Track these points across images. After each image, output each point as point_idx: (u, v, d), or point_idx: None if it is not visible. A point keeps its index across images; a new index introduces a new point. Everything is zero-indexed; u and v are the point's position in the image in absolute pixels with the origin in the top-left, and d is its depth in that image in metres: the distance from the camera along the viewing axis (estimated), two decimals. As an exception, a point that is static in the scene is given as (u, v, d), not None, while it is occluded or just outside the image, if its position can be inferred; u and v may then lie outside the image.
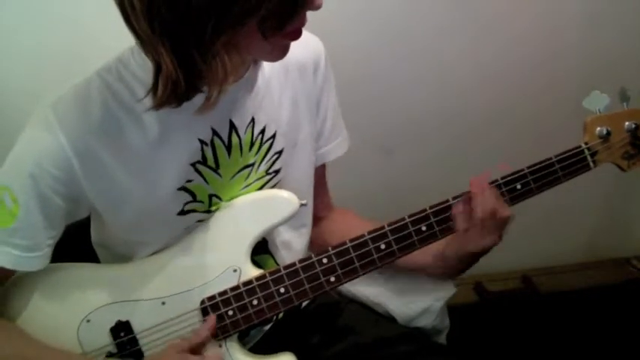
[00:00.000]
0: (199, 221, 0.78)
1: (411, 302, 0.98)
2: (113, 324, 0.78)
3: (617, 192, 1.77)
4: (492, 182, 0.79)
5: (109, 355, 0.78)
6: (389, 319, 0.98)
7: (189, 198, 0.76)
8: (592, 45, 1.56)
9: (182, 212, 0.76)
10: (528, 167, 0.80)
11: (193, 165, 0.75)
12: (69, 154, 0.68)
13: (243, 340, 0.83)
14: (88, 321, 0.77)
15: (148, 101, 0.66)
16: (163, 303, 0.78)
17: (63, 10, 1.19)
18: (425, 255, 0.83)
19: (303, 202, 0.80)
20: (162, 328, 0.78)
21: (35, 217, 0.71)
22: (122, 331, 0.78)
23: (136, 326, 0.78)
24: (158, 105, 0.64)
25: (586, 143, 0.81)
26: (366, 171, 1.21)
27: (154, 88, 0.64)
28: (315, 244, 0.94)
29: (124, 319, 0.78)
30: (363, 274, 0.79)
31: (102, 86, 0.70)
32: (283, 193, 0.80)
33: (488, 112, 1.57)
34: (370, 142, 1.46)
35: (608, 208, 1.83)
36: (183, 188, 0.75)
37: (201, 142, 0.74)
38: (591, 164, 0.81)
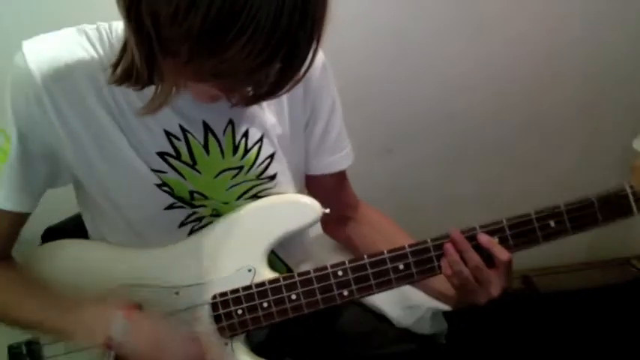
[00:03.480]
0: (177, 206, 0.77)
1: (405, 309, 0.97)
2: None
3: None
4: (487, 226, 0.76)
5: None
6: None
7: (165, 187, 0.75)
8: (594, 44, 1.52)
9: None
10: (565, 205, 0.76)
11: (161, 155, 0.73)
12: (40, 90, 0.67)
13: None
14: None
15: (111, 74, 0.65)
16: (177, 293, 0.79)
17: (61, 12, 1.18)
18: (444, 284, 0.81)
19: (326, 210, 0.79)
20: (172, 317, 0.79)
21: (24, 155, 0.71)
22: None
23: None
24: (116, 81, 0.63)
25: (632, 187, 0.76)
26: (365, 170, 1.20)
27: (116, 64, 0.62)
28: (349, 249, 0.94)
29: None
30: (378, 292, 0.78)
31: (84, 46, 0.69)
32: (306, 200, 0.79)
33: (488, 111, 1.56)
34: (370, 142, 1.47)
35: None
36: (157, 178, 0.74)
37: (169, 134, 0.73)
38: (635, 210, 0.77)
